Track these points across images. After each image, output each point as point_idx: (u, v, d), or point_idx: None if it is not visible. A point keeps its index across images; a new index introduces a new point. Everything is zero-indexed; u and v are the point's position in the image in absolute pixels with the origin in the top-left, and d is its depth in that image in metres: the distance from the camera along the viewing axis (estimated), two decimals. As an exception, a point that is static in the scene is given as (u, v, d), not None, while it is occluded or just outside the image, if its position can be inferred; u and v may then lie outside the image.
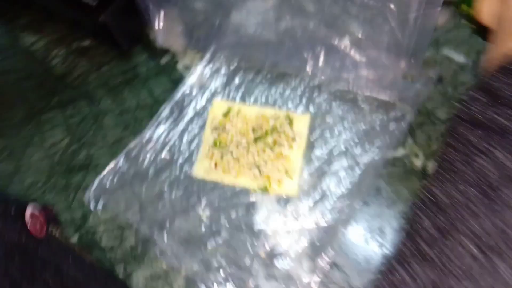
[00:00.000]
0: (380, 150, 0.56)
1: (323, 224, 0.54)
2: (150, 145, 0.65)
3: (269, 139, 0.60)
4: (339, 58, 0.63)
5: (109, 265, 0.60)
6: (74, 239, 0.62)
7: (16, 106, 0.78)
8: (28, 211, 0.48)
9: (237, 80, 0.66)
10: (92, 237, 0.62)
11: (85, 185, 0.66)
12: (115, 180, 0.64)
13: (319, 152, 0.59)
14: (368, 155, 0.56)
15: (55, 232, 0.54)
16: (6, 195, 0.64)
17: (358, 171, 0.56)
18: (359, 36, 0.63)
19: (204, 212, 0.59)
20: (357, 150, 0.57)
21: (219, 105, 0.65)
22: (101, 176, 0.64)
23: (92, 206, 0.63)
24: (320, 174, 0.57)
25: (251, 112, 0.63)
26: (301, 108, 0.62)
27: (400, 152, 0.56)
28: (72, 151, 0.69)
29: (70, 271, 0.50)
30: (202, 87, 0.67)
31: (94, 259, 0.59)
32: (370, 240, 0.53)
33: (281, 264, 0.54)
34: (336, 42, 0.64)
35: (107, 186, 0.64)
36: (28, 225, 0.47)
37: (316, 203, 0.56)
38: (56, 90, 0.76)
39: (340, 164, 0.57)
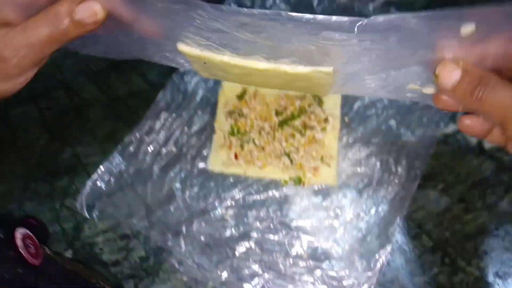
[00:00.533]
0: (428, 127, 0.50)
1: (372, 216, 0.47)
2: (150, 138, 0.55)
3: (297, 122, 0.52)
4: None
5: (115, 283, 0.50)
6: (68, 254, 0.52)
7: (-26, 101, 0.65)
8: (19, 232, 0.37)
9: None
10: (90, 251, 0.52)
11: (74, 190, 0.55)
12: (112, 181, 0.54)
13: (357, 133, 0.51)
14: (414, 134, 0.50)
15: (50, 252, 0.43)
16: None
17: (405, 152, 0.49)
18: None
19: (227, 212, 0.50)
20: (401, 129, 0.50)
21: (231, 87, 0.55)
22: (94, 177, 0.54)
23: (86, 214, 0.52)
24: (361, 159, 0.50)
25: (271, 92, 0.54)
26: (328, 85, 0.54)
27: (451, 128, 0.50)
28: (53, 151, 0.58)
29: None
30: (208, 67, 0.58)
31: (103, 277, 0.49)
32: (428, 229, 0.46)
33: (327, 265, 0.46)
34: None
35: (103, 188, 0.53)
36: (23, 252, 0.36)
37: (360, 192, 0.48)
38: (25, 80, 0.64)
39: (384, 146, 0.50)
